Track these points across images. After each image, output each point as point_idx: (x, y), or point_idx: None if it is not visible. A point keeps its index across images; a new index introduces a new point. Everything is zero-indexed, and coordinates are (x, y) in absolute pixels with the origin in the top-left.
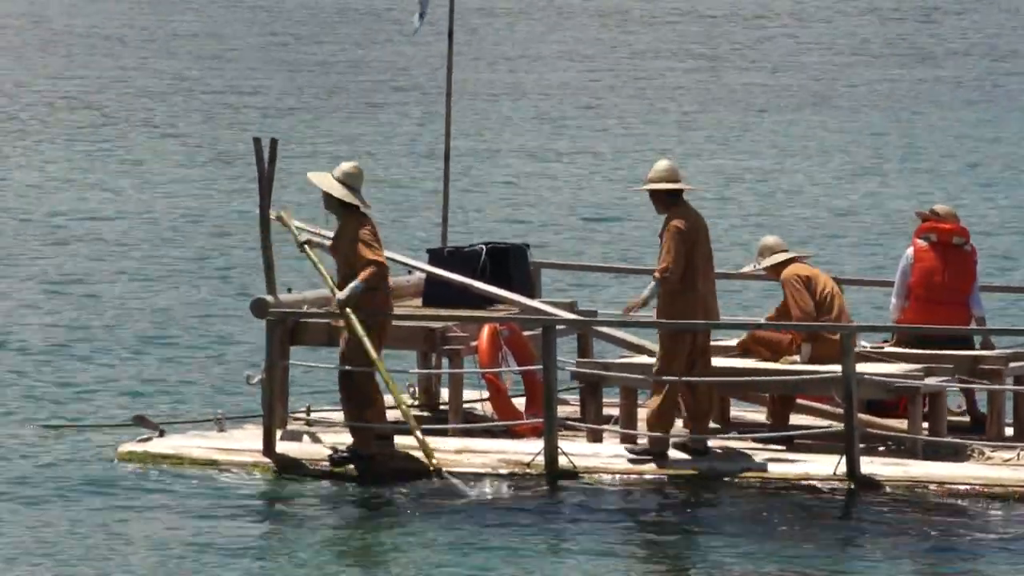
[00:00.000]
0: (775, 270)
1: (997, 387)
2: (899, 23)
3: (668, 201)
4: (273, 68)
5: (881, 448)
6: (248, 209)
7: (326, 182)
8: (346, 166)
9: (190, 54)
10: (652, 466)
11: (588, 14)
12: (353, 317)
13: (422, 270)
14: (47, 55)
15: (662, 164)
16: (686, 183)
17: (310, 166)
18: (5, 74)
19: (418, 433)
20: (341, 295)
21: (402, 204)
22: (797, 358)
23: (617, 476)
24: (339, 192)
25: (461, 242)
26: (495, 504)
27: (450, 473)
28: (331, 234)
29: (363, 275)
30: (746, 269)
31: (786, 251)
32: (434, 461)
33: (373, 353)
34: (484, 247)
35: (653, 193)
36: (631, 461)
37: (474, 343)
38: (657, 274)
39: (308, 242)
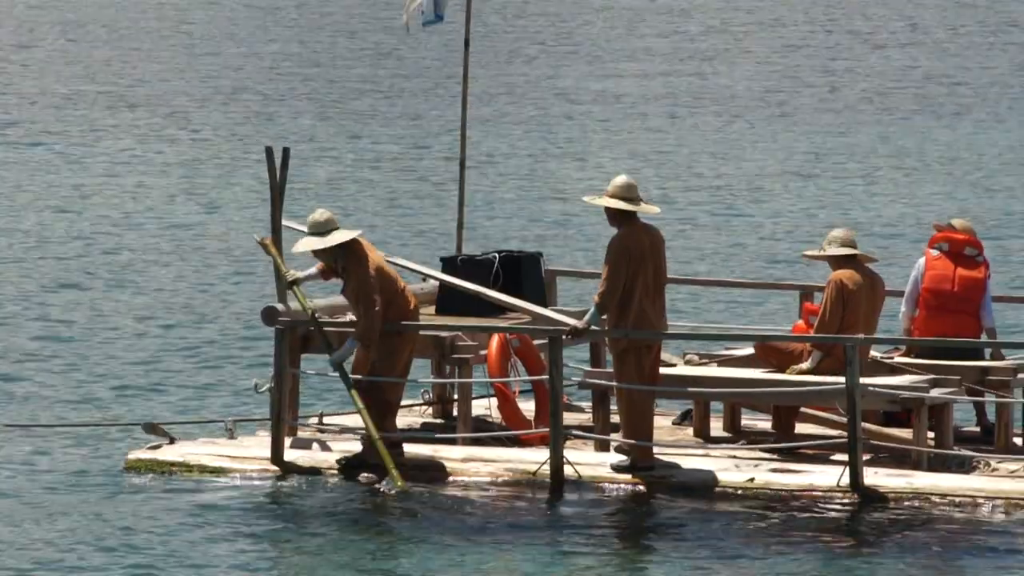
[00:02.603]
0: (834, 262)
1: (1005, 399)
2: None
3: (620, 218)
4: (288, 75)
5: (884, 456)
6: (261, 217)
7: (308, 244)
8: (312, 218)
9: (204, 60)
10: (656, 476)
11: (611, 17)
12: (344, 376)
13: (435, 278)
14: (60, 60)
15: (620, 180)
16: (647, 201)
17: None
18: (27, 79)
19: (380, 444)
20: (333, 357)
21: (418, 212)
22: (804, 366)
23: (622, 486)
24: (322, 243)
25: (477, 251)
26: (500, 513)
27: (455, 482)
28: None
29: (355, 333)
30: (810, 252)
31: (853, 246)
32: (393, 475)
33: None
34: (497, 255)
35: (607, 208)
36: (615, 470)
37: (483, 352)
38: (595, 298)
39: (295, 282)
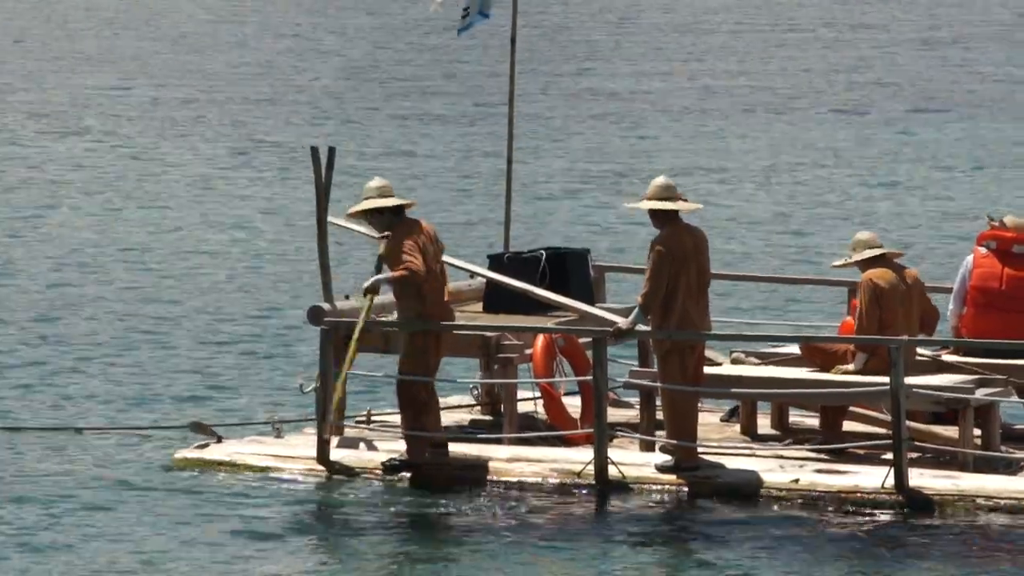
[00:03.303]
0: (863, 266)
1: None
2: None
3: (662, 219)
4: (335, 73)
5: (931, 456)
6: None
7: (360, 209)
8: (369, 184)
9: (251, 59)
10: (700, 476)
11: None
12: (368, 306)
13: (482, 275)
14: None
15: (658, 181)
16: (686, 200)
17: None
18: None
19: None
20: (370, 281)
21: (465, 210)
22: (850, 367)
23: (666, 486)
24: (372, 204)
25: (524, 248)
26: (545, 513)
27: (501, 482)
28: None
29: (395, 272)
30: (838, 263)
31: (878, 246)
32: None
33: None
34: (544, 252)
35: (649, 210)
36: (659, 470)
37: (529, 351)
38: (639, 299)
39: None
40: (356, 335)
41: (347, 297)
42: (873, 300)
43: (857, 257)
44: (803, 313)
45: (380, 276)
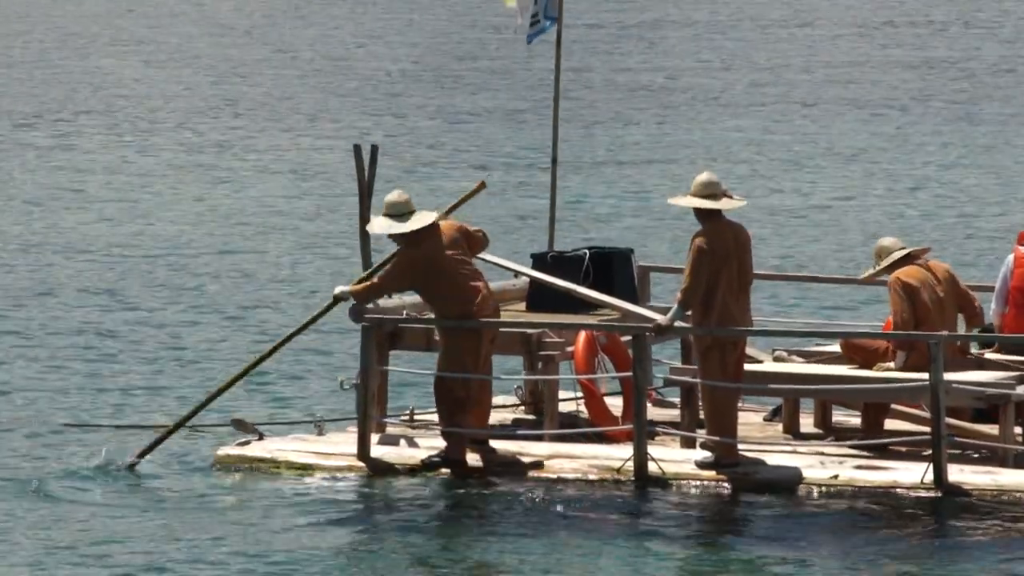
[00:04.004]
0: (890, 270)
1: None
2: None
3: (704, 216)
4: (380, 72)
5: (975, 455)
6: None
7: (384, 227)
8: (389, 199)
9: (293, 58)
10: (740, 473)
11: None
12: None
13: (526, 275)
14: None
15: (701, 178)
16: (731, 196)
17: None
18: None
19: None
20: (340, 290)
21: (511, 208)
22: (892, 365)
23: (706, 482)
24: (400, 227)
25: (569, 247)
26: (584, 509)
27: (540, 479)
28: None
29: (362, 286)
30: (865, 275)
31: (903, 248)
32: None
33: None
34: (587, 252)
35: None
36: (699, 466)
37: (571, 348)
38: (678, 295)
39: None
40: (295, 330)
41: (389, 296)
42: (903, 298)
43: (883, 264)
44: (846, 313)
45: (344, 289)
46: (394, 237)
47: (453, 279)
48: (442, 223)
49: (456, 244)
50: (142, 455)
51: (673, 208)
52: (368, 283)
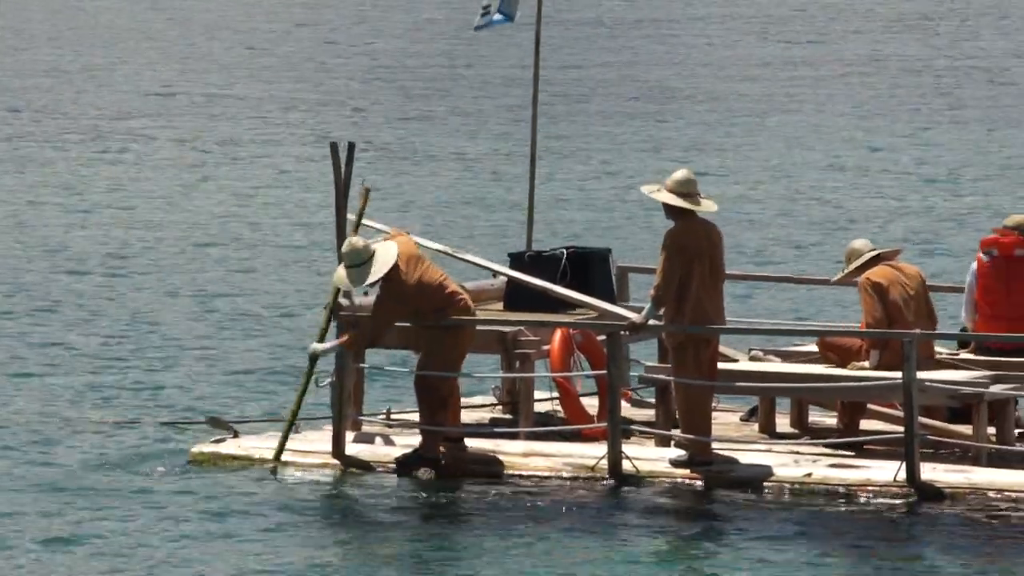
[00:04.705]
0: (860, 272)
1: None
2: None
3: (677, 213)
4: (356, 70)
5: (948, 452)
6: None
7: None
8: (346, 250)
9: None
10: (714, 471)
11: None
12: (311, 369)
13: (503, 274)
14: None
15: (679, 175)
16: (706, 197)
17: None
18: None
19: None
20: (316, 345)
21: (488, 208)
22: (866, 364)
23: (680, 481)
24: (369, 278)
25: (548, 247)
26: (559, 507)
27: (517, 476)
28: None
29: (343, 339)
30: (836, 278)
31: (873, 249)
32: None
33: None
34: (565, 251)
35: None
36: (673, 465)
37: (546, 347)
38: (651, 292)
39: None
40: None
41: (366, 294)
42: (874, 297)
43: (853, 266)
44: (824, 313)
45: (322, 347)
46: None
47: (442, 290)
48: (406, 250)
49: (417, 256)
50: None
51: (654, 209)
52: (367, 322)
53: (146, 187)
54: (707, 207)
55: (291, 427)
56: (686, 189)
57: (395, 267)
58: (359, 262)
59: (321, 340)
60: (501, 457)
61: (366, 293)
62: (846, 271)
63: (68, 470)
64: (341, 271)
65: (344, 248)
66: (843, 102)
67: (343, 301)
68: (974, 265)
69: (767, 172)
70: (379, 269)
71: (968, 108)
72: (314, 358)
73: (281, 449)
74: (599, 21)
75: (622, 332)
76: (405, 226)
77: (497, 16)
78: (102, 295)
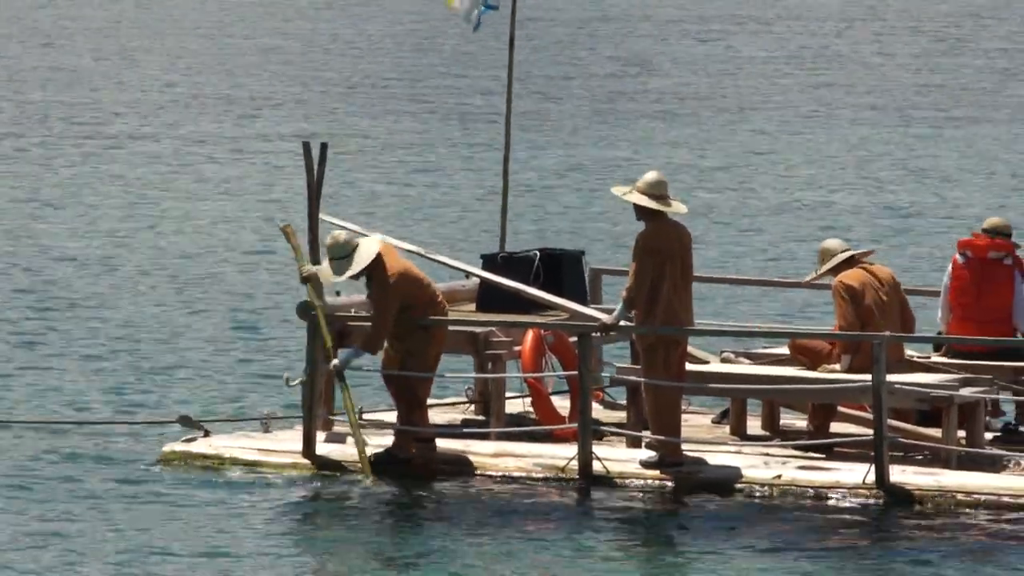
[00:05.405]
0: (834, 273)
1: None
2: None
3: (648, 214)
4: (331, 70)
5: (920, 457)
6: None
7: (337, 273)
8: (328, 244)
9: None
10: (684, 472)
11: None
12: (343, 385)
13: (476, 275)
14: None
15: (650, 176)
16: (676, 200)
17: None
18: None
19: (365, 451)
20: (335, 362)
21: (462, 209)
22: (837, 367)
23: (650, 482)
24: (351, 268)
25: (522, 249)
26: (529, 508)
27: (487, 477)
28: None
29: (360, 342)
30: (809, 278)
31: (847, 250)
32: (369, 476)
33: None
34: (538, 253)
35: (635, 204)
36: (644, 466)
37: (518, 348)
38: (623, 293)
39: (310, 278)
40: (351, 416)
41: (338, 294)
42: (847, 300)
43: (825, 267)
44: (798, 316)
45: (342, 358)
46: (356, 276)
47: (424, 288)
48: (386, 246)
49: (396, 252)
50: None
51: (626, 211)
52: (377, 322)
53: (113, 190)
54: (677, 208)
55: (362, 443)
56: (657, 191)
57: (379, 258)
58: (342, 255)
59: (332, 353)
60: (472, 457)
61: (338, 293)
62: (819, 271)
63: (35, 470)
64: (324, 265)
65: (328, 242)
66: (820, 103)
67: (316, 301)
68: (948, 268)
69: (740, 173)
70: (362, 260)
71: (954, 109)
72: (339, 372)
73: (368, 466)
74: (573, 21)
75: (593, 333)
76: (373, 226)
77: (483, 8)
78: (68, 296)
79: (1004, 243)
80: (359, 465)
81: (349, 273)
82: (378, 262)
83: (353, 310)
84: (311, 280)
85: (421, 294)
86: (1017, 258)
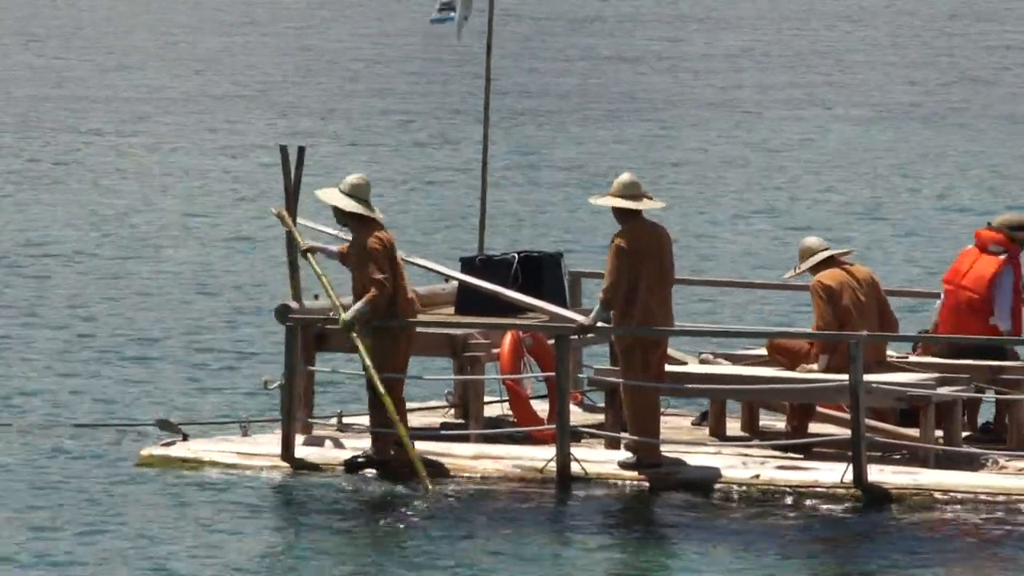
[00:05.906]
0: (812, 272)
1: (1012, 396)
2: None
3: (625, 216)
4: (308, 73)
5: (898, 456)
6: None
7: (333, 197)
8: (352, 178)
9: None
10: (662, 472)
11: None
12: (359, 339)
13: (454, 278)
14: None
15: (622, 178)
16: (651, 198)
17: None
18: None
19: (417, 459)
20: (346, 316)
21: (440, 212)
22: (815, 366)
23: (628, 482)
24: (347, 205)
25: (500, 251)
26: (507, 509)
27: (466, 478)
28: (343, 236)
29: (367, 296)
30: (787, 275)
31: (826, 249)
32: (427, 485)
33: (380, 387)
34: (516, 256)
35: (612, 207)
36: (622, 467)
37: (496, 350)
38: (600, 295)
39: (311, 250)
40: (378, 386)
41: (316, 297)
42: (825, 300)
43: (805, 266)
44: (776, 317)
45: (357, 308)
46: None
47: (401, 278)
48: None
49: (392, 246)
50: (426, 483)
51: (606, 214)
52: (372, 292)
53: (92, 192)
54: (652, 205)
55: (409, 438)
56: (631, 191)
57: (373, 224)
58: (365, 196)
59: (332, 296)
60: (451, 459)
61: (316, 297)
62: (799, 269)
63: (11, 472)
64: (330, 192)
65: (349, 178)
66: (807, 102)
67: (292, 304)
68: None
69: (721, 174)
70: (359, 207)
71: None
72: (351, 327)
73: (421, 473)
74: (552, 22)
75: (571, 335)
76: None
77: (451, 14)
78: (44, 298)
79: (1004, 239)
80: (418, 476)
81: (343, 205)
82: (370, 225)
83: (331, 313)
84: (312, 252)
85: (399, 284)
86: (1014, 258)
